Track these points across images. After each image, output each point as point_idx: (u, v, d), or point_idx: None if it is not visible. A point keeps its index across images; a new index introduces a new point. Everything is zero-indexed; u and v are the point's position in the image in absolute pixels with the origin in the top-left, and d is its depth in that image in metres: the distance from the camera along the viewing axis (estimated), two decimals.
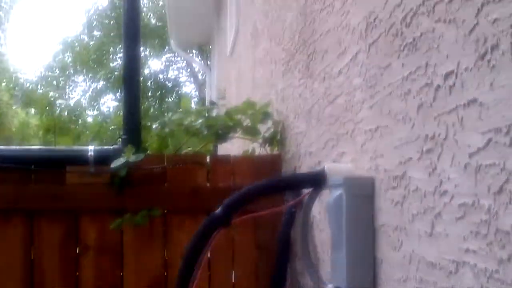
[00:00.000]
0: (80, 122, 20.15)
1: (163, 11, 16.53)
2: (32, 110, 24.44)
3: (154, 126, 2.96)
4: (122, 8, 3.33)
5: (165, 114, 21.87)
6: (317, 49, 2.25)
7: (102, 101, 22.73)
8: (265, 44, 3.79)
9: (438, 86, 1.14)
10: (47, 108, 21.54)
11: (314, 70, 2.30)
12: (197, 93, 22.65)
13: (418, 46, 1.25)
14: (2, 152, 2.77)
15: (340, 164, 1.85)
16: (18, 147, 2.76)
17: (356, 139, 1.72)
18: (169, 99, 22.28)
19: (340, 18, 1.91)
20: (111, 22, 20.60)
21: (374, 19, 1.55)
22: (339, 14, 1.93)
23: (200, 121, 2.73)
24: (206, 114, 2.80)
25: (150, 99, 21.37)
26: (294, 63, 2.72)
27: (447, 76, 1.11)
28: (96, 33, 21.45)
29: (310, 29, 2.38)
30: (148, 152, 2.88)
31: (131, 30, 3.13)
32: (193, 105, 24.14)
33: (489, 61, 0.94)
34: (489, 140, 0.94)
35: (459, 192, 1.05)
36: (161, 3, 19.04)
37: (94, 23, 20.95)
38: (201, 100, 21.68)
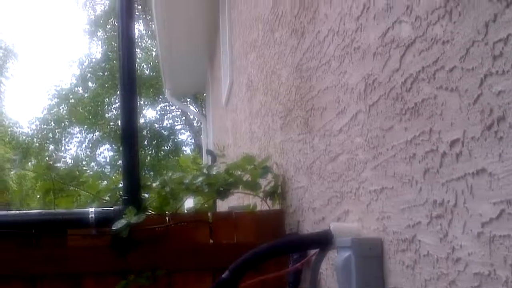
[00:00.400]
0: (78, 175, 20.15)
1: (156, 61, 16.70)
2: (29, 163, 24.46)
3: (154, 185, 2.95)
4: (118, 72, 3.35)
5: (162, 162, 21.89)
6: (316, 106, 2.27)
7: (98, 151, 22.78)
8: (261, 97, 3.81)
9: (444, 153, 1.15)
10: (44, 160, 21.64)
11: (314, 126, 2.31)
12: (193, 140, 22.73)
13: (420, 112, 1.26)
14: (2, 218, 2.74)
15: (346, 224, 1.84)
16: (17, 211, 2.74)
17: (361, 199, 1.71)
18: (166, 147, 22.34)
19: (338, 77, 1.93)
20: (105, 73, 20.79)
21: (373, 81, 1.57)
22: (336, 73, 1.95)
23: (200, 179, 2.72)
24: (206, 171, 2.79)
25: (146, 148, 21.40)
26: (292, 118, 2.74)
27: (453, 143, 1.11)
28: (91, 84, 21.62)
29: (307, 85, 2.41)
30: (149, 211, 2.86)
31: (128, 90, 3.15)
32: (189, 152, 24.20)
33: (496, 132, 0.95)
34: (502, 211, 0.94)
35: (473, 261, 1.05)
36: (154, 53, 19.25)
37: (88, 75, 21.15)
38: (197, 147, 21.73)
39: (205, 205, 2.98)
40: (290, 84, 2.79)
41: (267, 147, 3.57)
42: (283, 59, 2.97)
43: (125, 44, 3.04)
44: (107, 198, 2.86)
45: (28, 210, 2.53)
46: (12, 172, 22.51)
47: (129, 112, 2.92)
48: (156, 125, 22.05)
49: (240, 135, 5.29)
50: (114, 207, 2.80)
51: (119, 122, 2.87)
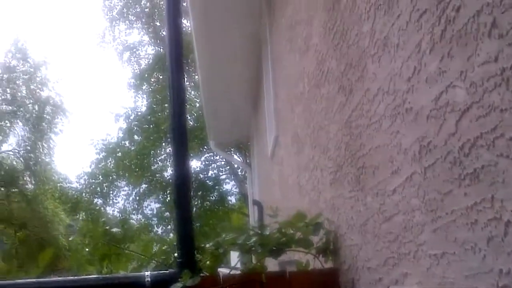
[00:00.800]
0: (127, 230, 20.58)
1: (200, 112, 16.95)
2: (79, 217, 24.91)
3: (207, 245, 2.96)
4: (168, 126, 3.42)
5: (208, 213, 21.94)
6: (367, 164, 2.25)
7: (145, 203, 23.01)
8: (309, 151, 3.81)
9: (509, 222, 1.12)
10: (93, 215, 22.07)
11: (366, 184, 2.29)
12: (237, 189, 22.76)
13: (480, 178, 1.24)
14: (61, 284, 2.78)
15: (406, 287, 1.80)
16: (75, 277, 2.78)
17: (420, 262, 1.68)
18: (211, 198, 22.43)
19: (389, 136, 1.92)
20: (151, 126, 21.17)
21: (428, 144, 1.55)
22: (387, 133, 1.94)
23: (253, 239, 2.72)
24: (259, 231, 2.79)
25: (192, 199, 21.41)
26: (343, 174, 2.72)
27: None
28: (137, 137, 22.02)
29: (357, 143, 2.40)
30: (203, 272, 2.86)
31: (180, 148, 3.21)
32: (234, 201, 24.22)
33: None
34: None
35: None
36: (197, 104, 19.56)
37: (135, 128, 21.58)
38: (242, 196, 21.74)
39: (257, 264, 2.96)
40: (339, 140, 2.79)
41: (317, 202, 3.55)
42: (330, 114, 2.97)
43: (175, 98, 3.11)
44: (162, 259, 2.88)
45: (86, 275, 2.55)
46: (70, 239, 23.04)
47: (182, 180, 2.94)
48: (201, 176, 22.21)
49: (288, 188, 5.27)
50: (169, 270, 2.80)
51: (172, 187, 2.90)
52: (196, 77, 15.56)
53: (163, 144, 22.01)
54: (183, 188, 2.79)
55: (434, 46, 1.47)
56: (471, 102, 1.26)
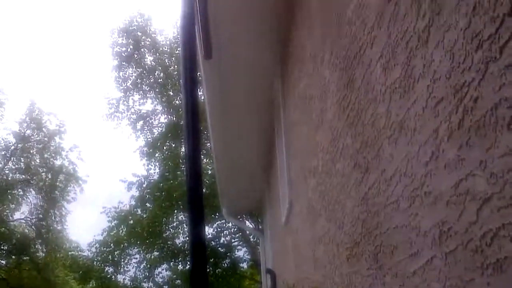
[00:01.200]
0: None
1: (213, 179, 16.99)
2: (90, 285, 24.63)
3: None
4: (186, 199, 3.46)
5: (220, 280, 21.64)
6: (385, 243, 2.24)
7: (156, 271, 22.76)
8: (324, 223, 3.80)
9: None
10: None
11: (384, 264, 2.27)
12: (249, 256, 22.52)
13: (504, 269, 1.24)
14: None
15: None
16: None
17: None
18: (223, 265, 22.17)
19: (408, 218, 1.92)
20: (163, 194, 21.19)
21: (448, 229, 1.56)
22: (406, 214, 1.94)
23: None
24: None
25: None
26: (360, 251, 2.71)
27: None
28: (149, 205, 22.01)
29: (375, 221, 2.39)
30: None
31: (196, 217, 3.24)
32: (246, 268, 23.90)
33: None
34: None
35: None
36: (209, 171, 19.63)
37: (147, 196, 21.60)
38: (254, 262, 21.48)
39: None
40: (355, 216, 2.78)
41: (333, 276, 3.51)
42: (346, 190, 2.98)
43: (191, 166, 3.17)
44: None
45: None
46: None
47: (199, 247, 2.96)
48: (213, 243, 22.03)
49: (302, 258, 5.22)
50: None
51: (189, 257, 2.91)
52: (208, 144, 15.69)
53: (175, 211, 21.98)
54: (199, 259, 2.79)
55: (452, 134, 1.50)
56: (492, 193, 1.28)
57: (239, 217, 16.96)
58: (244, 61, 6.24)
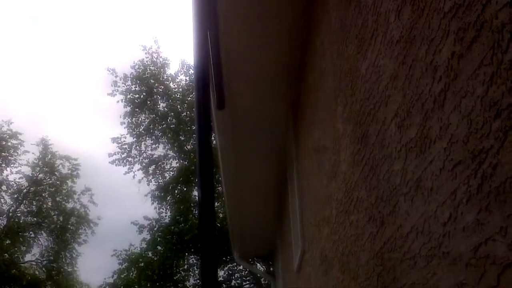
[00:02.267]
0: None
1: (224, 222, 16.95)
2: None
3: None
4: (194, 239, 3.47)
5: None
6: None
7: None
8: (338, 274, 3.79)
9: None
10: None
11: None
12: None
13: None
14: None
15: None
16: None
17: None
18: None
19: (426, 276, 1.93)
20: (174, 237, 21.12)
21: None
22: (423, 272, 1.95)
23: None
24: None
25: None
26: None
27: None
28: (160, 248, 21.93)
29: (391, 275, 2.40)
30: None
31: (209, 268, 3.27)
32: None
33: None
34: None
35: None
36: (221, 215, 19.58)
37: (158, 239, 21.53)
38: None
39: None
40: (370, 269, 2.78)
41: None
42: (360, 242, 2.99)
43: (204, 209, 3.24)
44: None
45: None
46: None
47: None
48: (224, 286, 21.82)
49: None
50: None
51: None
52: (220, 188, 15.70)
53: (186, 254, 21.85)
54: None
55: (471, 198, 1.52)
56: None
57: (250, 260, 16.85)
58: (256, 111, 6.31)
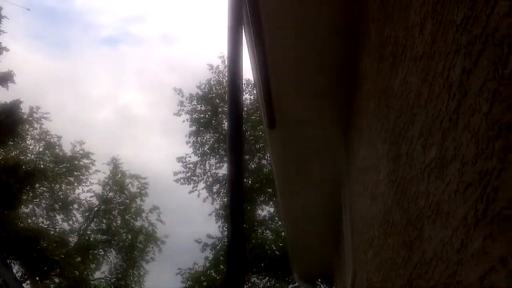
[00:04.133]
0: None
1: (284, 245, 16.86)
2: None
3: None
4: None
5: None
6: None
7: None
8: None
9: None
10: None
11: None
12: None
13: None
14: None
15: None
16: None
17: None
18: None
19: None
20: None
21: None
22: None
23: None
24: None
25: None
26: None
27: None
28: (222, 267, 22.00)
29: None
30: None
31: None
32: None
33: None
34: None
35: None
36: (283, 234, 19.48)
37: (221, 258, 21.62)
38: None
39: None
40: None
41: None
42: (396, 266, 2.87)
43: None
44: None
45: None
46: None
47: None
48: None
49: None
50: None
51: None
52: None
53: (249, 273, 21.83)
54: None
55: (478, 223, 1.42)
56: None
57: (311, 281, 16.63)
58: (309, 132, 6.24)
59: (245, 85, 22.74)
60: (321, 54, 4.88)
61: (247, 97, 22.83)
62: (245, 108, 22.47)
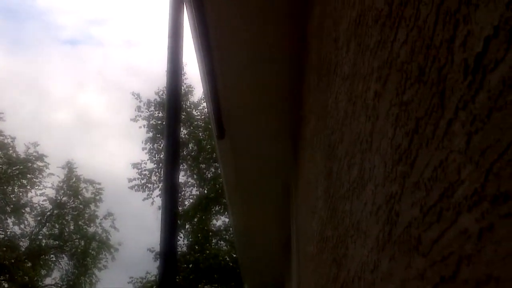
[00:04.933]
0: None
1: (234, 254, 16.84)
2: None
3: None
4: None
5: None
6: None
7: None
8: None
9: None
10: None
11: None
12: None
13: None
14: None
15: None
16: None
17: None
18: None
19: None
20: (190, 266, 21.06)
21: None
22: None
23: None
24: None
25: None
26: None
27: None
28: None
29: None
30: None
31: None
32: None
33: None
34: None
35: None
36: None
37: None
38: None
39: None
40: None
41: None
42: (328, 283, 2.89)
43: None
44: None
45: None
46: None
47: None
48: None
49: None
50: None
51: None
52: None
53: (203, 282, 21.70)
54: None
55: (385, 245, 1.43)
56: None
57: None
58: (258, 142, 6.26)
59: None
60: (270, 66, 4.90)
61: (205, 105, 22.78)
62: (203, 117, 22.43)
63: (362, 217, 1.81)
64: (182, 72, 21.99)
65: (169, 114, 3.36)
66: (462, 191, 0.88)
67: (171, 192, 3.22)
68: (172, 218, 3.13)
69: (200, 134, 22.16)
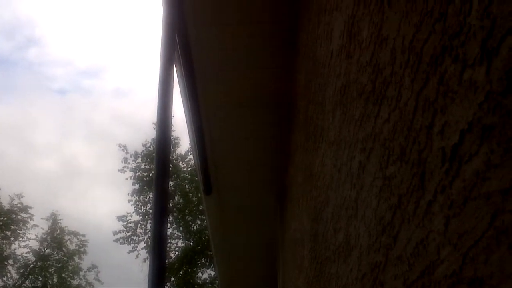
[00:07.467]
0: None
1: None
2: None
3: None
4: None
5: None
6: None
7: None
8: None
9: None
10: None
11: None
12: None
13: None
14: None
15: None
16: None
17: None
18: None
19: None
20: None
21: None
22: None
23: None
24: None
25: None
26: None
27: None
28: None
29: None
30: None
31: None
32: None
33: None
34: None
35: None
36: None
37: None
38: None
39: None
40: None
41: None
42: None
43: None
44: None
45: None
46: None
47: None
48: None
49: None
50: None
51: None
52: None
53: None
54: None
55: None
56: None
57: None
58: (244, 198, 6.29)
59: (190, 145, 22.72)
60: (257, 123, 4.98)
61: (192, 157, 22.79)
62: (189, 169, 22.42)
63: (348, 282, 1.84)
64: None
65: (158, 166, 3.37)
66: (442, 270, 0.92)
67: (159, 247, 3.20)
68: (159, 275, 3.10)
69: (187, 186, 22.10)
